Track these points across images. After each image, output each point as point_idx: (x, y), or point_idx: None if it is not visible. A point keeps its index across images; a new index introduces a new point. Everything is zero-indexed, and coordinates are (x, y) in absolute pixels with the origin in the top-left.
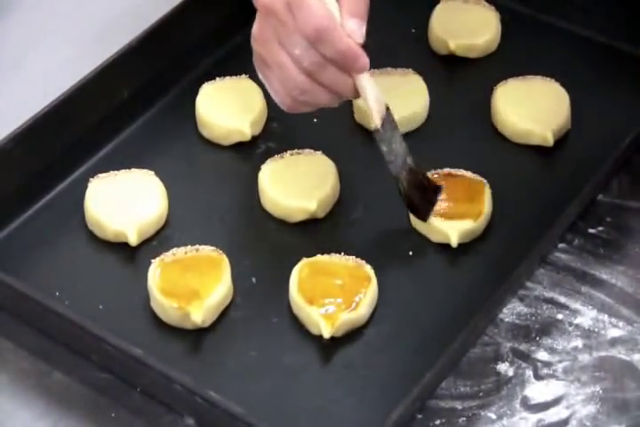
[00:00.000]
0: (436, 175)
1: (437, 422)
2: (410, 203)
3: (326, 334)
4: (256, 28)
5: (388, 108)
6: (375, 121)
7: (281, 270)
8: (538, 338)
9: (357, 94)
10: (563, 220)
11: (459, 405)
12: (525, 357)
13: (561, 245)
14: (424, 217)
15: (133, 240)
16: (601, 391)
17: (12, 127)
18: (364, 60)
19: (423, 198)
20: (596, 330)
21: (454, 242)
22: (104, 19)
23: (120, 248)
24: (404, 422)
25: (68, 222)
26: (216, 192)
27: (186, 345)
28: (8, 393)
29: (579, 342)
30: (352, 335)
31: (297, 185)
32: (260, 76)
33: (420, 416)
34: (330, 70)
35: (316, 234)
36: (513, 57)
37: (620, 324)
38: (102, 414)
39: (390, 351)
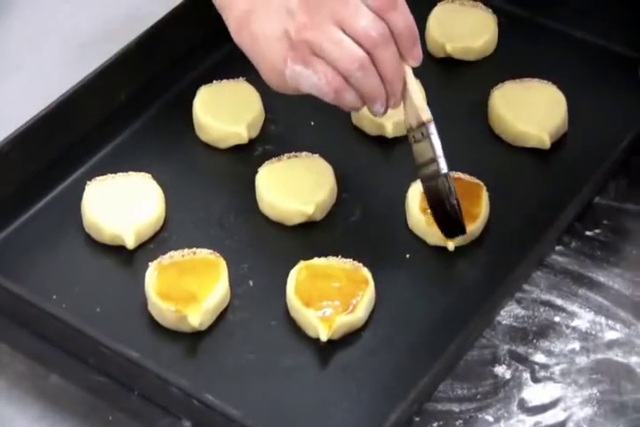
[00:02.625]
0: None
1: (435, 424)
2: (445, 205)
3: (324, 337)
4: (303, 17)
5: None
6: (427, 113)
7: (278, 273)
8: (535, 341)
9: (402, 93)
10: (560, 222)
11: (456, 407)
12: (523, 359)
13: (558, 248)
14: (462, 224)
15: (131, 243)
16: (598, 394)
17: (10, 130)
18: (421, 49)
19: (457, 207)
20: (594, 333)
21: (451, 245)
22: (102, 21)
23: (117, 251)
24: (402, 425)
25: (66, 225)
26: (213, 195)
27: (183, 348)
28: (5, 396)
29: (576, 345)
30: (349, 338)
31: (294, 188)
32: (296, 70)
33: (417, 419)
34: (391, 48)
35: (313, 237)
36: (510, 59)
37: (618, 326)
38: (99, 417)
39: (387, 354)
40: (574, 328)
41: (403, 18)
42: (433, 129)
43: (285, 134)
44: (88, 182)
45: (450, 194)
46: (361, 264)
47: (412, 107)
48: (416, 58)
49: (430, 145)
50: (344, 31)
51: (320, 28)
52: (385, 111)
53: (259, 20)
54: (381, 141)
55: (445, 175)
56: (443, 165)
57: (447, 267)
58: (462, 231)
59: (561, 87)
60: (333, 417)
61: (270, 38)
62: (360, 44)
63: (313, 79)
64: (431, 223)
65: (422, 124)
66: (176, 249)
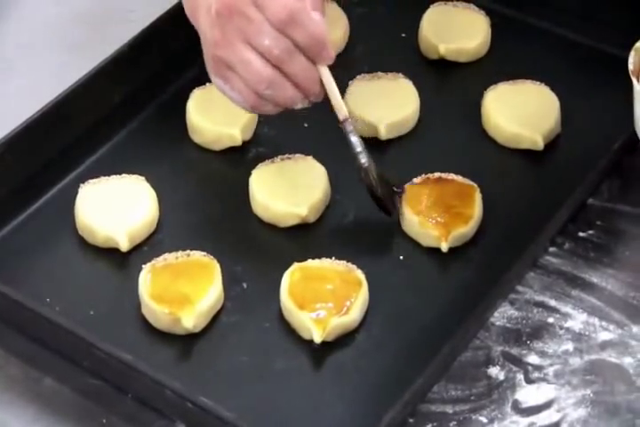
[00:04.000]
0: (426, 179)
1: (429, 425)
2: (375, 196)
3: (317, 339)
4: (216, 34)
5: None
6: (343, 112)
7: (272, 275)
8: (529, 342)
9: (321, 89)
10: (553, 223)
11: (450, 409)
12: (516, 360)
13: (551, 249)
14: (390, 212)
15: (124, 246)
16: (592, 395)
17: (3, 133)
18: (331, 49)
19: (389, 194)
20: (587, 333)
21: (445, 246)
22: (94, 24)
23: (111, 254)
24: (396, 426)
25: (59, 228)
26: (207, 197)
27: (177, 351)
28: None
29: (569, 346)
30: (343, 340)
31: (288, 190)
32: (219, 83)
33: (411, 420)
34: (298, 59)
35: (306, 239)
36: (503, 61)
37: (611, 327)
38: (93, 420)
39: (381, 356)
40: (568, 329)
41: (303, 30)
42: (350, 127)
43: (278, 136)
44: (81, 185)
45: (374, 185)
46: (354, 266)
47: (333, 104)
48: (327, 59)
49: (349, 142)
50: (254, 48)
51: (230, 47)
52: (309, 104)
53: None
54: (375, 143)
55: (365, 169)
56: (363, 160)
57: (441, 268)
58: (389, 214)
59: (554, 89)
60: (327, 419)
61: (203, 36)
62: (268, 61)
63: (232, 94)
64: (425, 225)
65: (343, 122)
66: (170, 251)
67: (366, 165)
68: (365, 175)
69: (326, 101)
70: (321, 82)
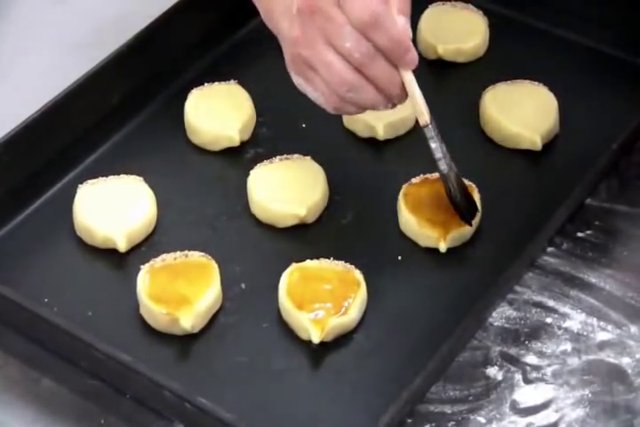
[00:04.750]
0: (424, 180)
1: (427, 426)
2: (457, 204)
3: (316, 339)
4: (298, 31)
5: None
6: (425, 117)
7: (270, 276)
8: (527, 342)
9: (403, 92)
10: (551, 223)
11: (448, 409)
12: (514, 361)
13: (549, 249)
14: (469, 220)
15: (122, 246)
16: (590, 395)
17: (1, 133)
18: (415, 53)
19: (468, 202)
20: (585, 334)
21: (443, 247)
22: (92, 25)
23: (109, 254)
24: None
25: (57, 228)
26: (205, 198)
27: (175, 351)
28: None
29: (568, 346)
30: (341, 340)
31: (286, 190)
32: (299, 82)
33: (409, 421)
34: (379, 63)
35: (305, 239)
36: (501, 61)
37: (609, 327)
38: (91, 421)
39: (380, 356)
40: (566, 329)
41: (385, 34)
42: (431, 133)
43: (277, 137)
44: (80, 185)
45: (451, 191)
46: (353, 266)
47: (414, 109)
48: (410, 64)
49: (429, 148)
50: (335, 49)
51: (312, 46)
52: (393, 107)
53: (275, 16)
54: (373, 143)
55: (445, 175)
56: (442, 167)
57: (439, 269)
58: (468, 223)
59: (552, 89)
60: (325, 419)
61: (282, 36)
62: (350, 63)
63: (314, 95)
64: (423, 225)
65: (423, 127)
66: (168, 252)
67: (446, 171)
68: (445, 182)
69: None
70: (403, 85)
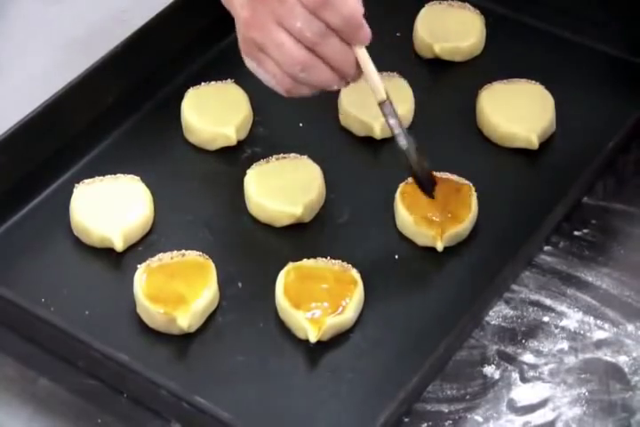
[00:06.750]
0: None
1: (424, 425)
2: (417, 178)
3: (313, 339)
4: (248, 14)
5: None
6: (381, 93)
7: (267, 275)
8: (524, 341)
9: (358, 70)
10: (548, 222)
11: (445, 408)
12: (511, 359)
13: (546, 248)
14: (430, 194)
15: (119, 246)
16: (587, 393)
17: None
18: (367, 30)
19: (427, 177)
20: (582, 332)
21: (440, 245)
22: (88, 24)
23: (106, 254)
24: (391, 426)
25: (54, 228)
26: (202, 197)
27: (172, 351)
28: None
29: (564, 345)
30: (338, 339)
31: (283, 189)
32: (252, 66)
33: (406, 420)
34: (332, 42)
35: (301, 238)
36: (498, 60)
37: (606, 326)
38: (88, 420)
39: (377, 355)
40: (563, 328)
41: (336, 12)
42: (388, 109)
43: (273, 136)
44: (76, 185)
45: (414, 168)
46: (350, 265)
47: (370, 86)
48: (363, 41)
49: (388, 124)
50: (286, 29)
51: (263, 28)
52: (346, 86)
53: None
54: (370, 142)
55: (405, 151)
56: (402, 142)
57: (436, 267)
58: (430, 196)
59: (548, 88)
60: (323, 418)
61: (236, 18)
62: (301, 43)
63: (266, 77)
64: (420, 224)
65: (380, 103)
66: (165, 251)
67: (405, 147)
68: (405, 157)
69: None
70: (357, 63)
